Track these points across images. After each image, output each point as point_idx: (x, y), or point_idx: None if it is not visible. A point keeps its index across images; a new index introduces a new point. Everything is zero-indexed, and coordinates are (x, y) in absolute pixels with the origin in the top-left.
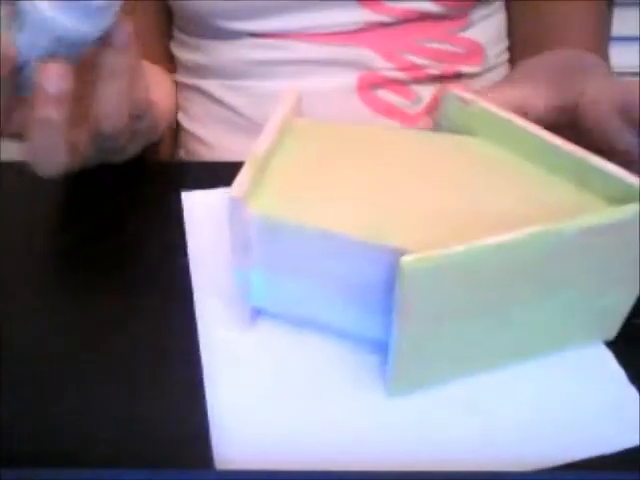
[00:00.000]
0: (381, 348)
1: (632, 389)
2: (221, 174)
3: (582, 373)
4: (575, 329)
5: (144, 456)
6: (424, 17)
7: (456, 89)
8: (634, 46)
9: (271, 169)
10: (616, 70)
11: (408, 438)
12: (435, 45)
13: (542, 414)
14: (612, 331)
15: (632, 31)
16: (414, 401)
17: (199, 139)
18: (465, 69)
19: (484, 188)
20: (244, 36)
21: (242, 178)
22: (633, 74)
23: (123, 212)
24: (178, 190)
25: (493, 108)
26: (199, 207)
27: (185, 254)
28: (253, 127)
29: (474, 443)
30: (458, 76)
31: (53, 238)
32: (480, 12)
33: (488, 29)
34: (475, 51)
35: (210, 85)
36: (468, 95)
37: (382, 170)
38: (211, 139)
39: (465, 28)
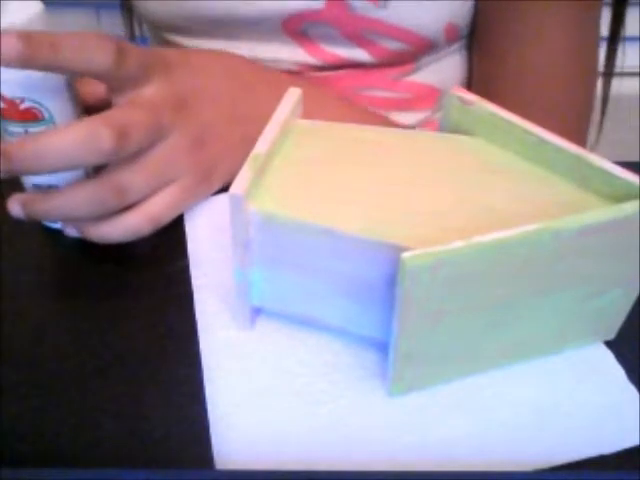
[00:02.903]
0: (381, 347)
1: (632, 389)
2: None
3: (582, 373)
4: (575, 328)
5: (144, 456)
6: (361, 65)
7: (456, 89)
8: (634, 46)
9: (271, 169)
10: (616, 70)
11: (408, 438)
12: (374, 93)
13: (542, 414)
14: (612, 331)
15: (632, 31)
16: (414, 401)
17: None
18: (408, 118)
19: (484, 187)
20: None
21: (242, 177)
22: (633, 74)
23: None
24: None
25: (493, 108)
26: (199, 208)
27: (185, 255)
28: None
29: (474, 443)
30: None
31: (53, 240)
32: (428, 57)
33: (442, 71)
34: (426, 94)
35: None
36: (468, 95)
37: (382, 169)
38: None
39: (411, 73)
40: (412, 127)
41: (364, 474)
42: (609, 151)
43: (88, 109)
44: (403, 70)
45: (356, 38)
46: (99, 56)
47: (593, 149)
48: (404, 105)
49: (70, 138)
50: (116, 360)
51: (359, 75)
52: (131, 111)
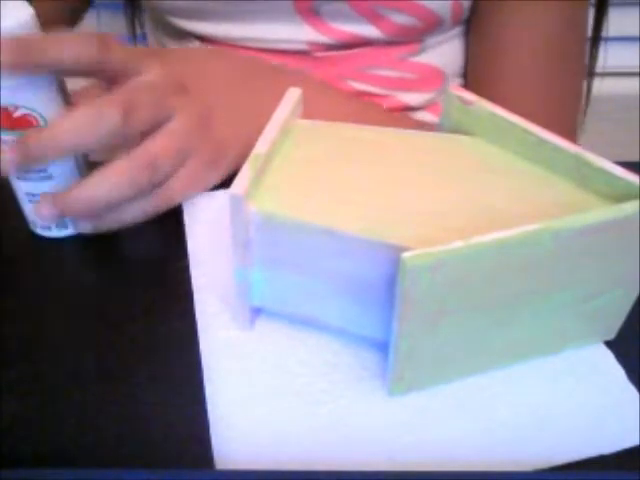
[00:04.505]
0: (381, 347)
1: (632, 389)
2: None
3: (582, 373)
4: (575, 328)
5: (144, 456)
6: (370, 43)
7: (456, 89)
8: (634, 46)
9: (271, 169)
10: (616, 70)
11: (408, 438)
12: (381, 72)
13: (542, 414)
14: (612, 331)
15: (632, 31)
16: (414, 401)
17: None
18: (413, 98)
19: (484, 187)
20: (193, 39)
21: (242, 177)
22: (633, 74)
23: None
24: None
25: (493, 108)
26: (199, 209)
27: (185, 255)
28: None
29: (474, 443)
30: (406, 108)
31: (53, 241)
32: (434, 38)
33: (446, 53)
34: (432, 76)
35: None
36: (468, 95)
37: (383, 169)
38: None
39: (417, 53)
40: (419, 108)
41: (364, 474)
42: (609, 151)
43: None
44: (409, 50)
45: (367, 13)
46: (84, 48)
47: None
48: (410, 85)
49: (79, 119)
50: (116, 360)
51: (366, 54)
52: (134, 91)
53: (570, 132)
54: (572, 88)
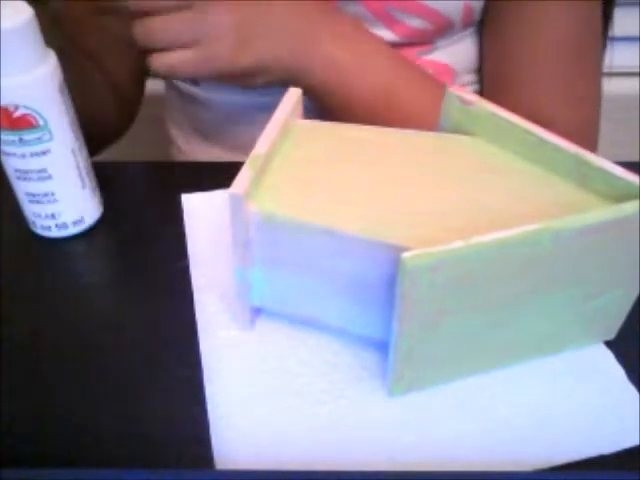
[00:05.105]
0: (381, 347)
1: (632, 389)
2: (221, 175)
3: (582, 373)
4: (575, 329)
5: (144, 456)
6: None
7: (456, 89)
8: (634, 46)
9: (271, 169)
10: (616, 70)
11: (408, 438)
12: None
13: (542, 414)
14: (612, 331)
15: (632, 31)
16: (414, 401)
17: (177, 143)
18: None
19: (484, 187)
20: None
21: (242, 177)
22: (633, 74)
23: (122, 213)
24: (178, 191)
25: (493, 108)
26: (199, 209)
27: (185, 255)
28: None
29: (474, 443)
30: None
31: (53, 241)
32: (445, 40)
33: (457, 52)
34: (444, 72)
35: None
36: (468, 95)
37: (382, 169)
38: (184, 145)
39: (430, 52)
40: None
41: (364, 474)
42: (609, 151)
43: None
44: (422, 50)
45: (382, 17)
46: None
47: None
48: None
49: None
50: (116, 360)
51: None
52: None
53: (591, 135)
54: (591, 89)
